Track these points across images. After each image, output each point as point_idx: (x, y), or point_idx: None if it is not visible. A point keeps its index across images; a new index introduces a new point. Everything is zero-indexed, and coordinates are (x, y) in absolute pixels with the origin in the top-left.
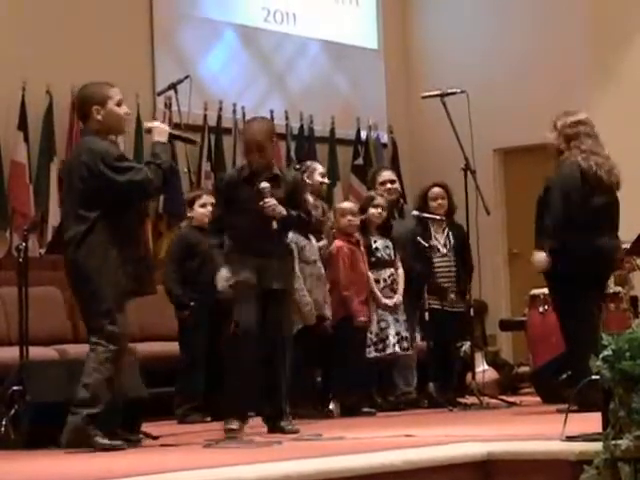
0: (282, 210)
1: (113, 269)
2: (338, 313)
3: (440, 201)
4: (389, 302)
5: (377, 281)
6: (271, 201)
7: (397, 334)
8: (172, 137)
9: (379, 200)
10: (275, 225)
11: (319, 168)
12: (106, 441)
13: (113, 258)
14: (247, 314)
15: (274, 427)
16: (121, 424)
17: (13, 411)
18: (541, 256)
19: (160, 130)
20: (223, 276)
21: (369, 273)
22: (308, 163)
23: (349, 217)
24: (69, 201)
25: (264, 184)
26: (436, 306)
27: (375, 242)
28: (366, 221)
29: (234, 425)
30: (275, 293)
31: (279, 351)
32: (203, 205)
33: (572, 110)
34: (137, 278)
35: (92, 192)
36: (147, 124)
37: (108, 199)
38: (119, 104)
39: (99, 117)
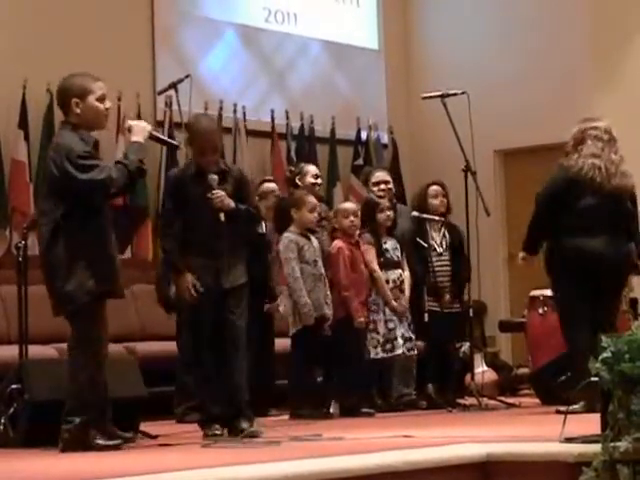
0: (230, 202)
1: (79, 268)
2: (338, 313)
3: (441, 198)
4: (399, 307)
5: (386, 282)
6: (219, 192)
7: (402, 335)
8: (152, 138)
9: (384, 203)
10: (222, 217)
11: (312, 170)
12: (105, 442)
13: (81, 257)
14: (203, 318)
15: (232, 429)
16: (113, 421)
17: (12, 409)
18: (520, 255)
19: (139, 129)
20: (189, 281)
21: (380, 274)
22: (301, 165)
23: (351, 218)
24: (41, 197)
25: (212, 176)
26: (434, 308)
27: (385, 243)
28: (375, 226)
29: (217, 431)
30: (230, 292)
31: (233, 350)
32: None
33: (591, 117)
34: (106, 279)
35: (57, 189)
36: (128, 122)
37: (70, 197)
38: (101, 99)
39: (77, 110)
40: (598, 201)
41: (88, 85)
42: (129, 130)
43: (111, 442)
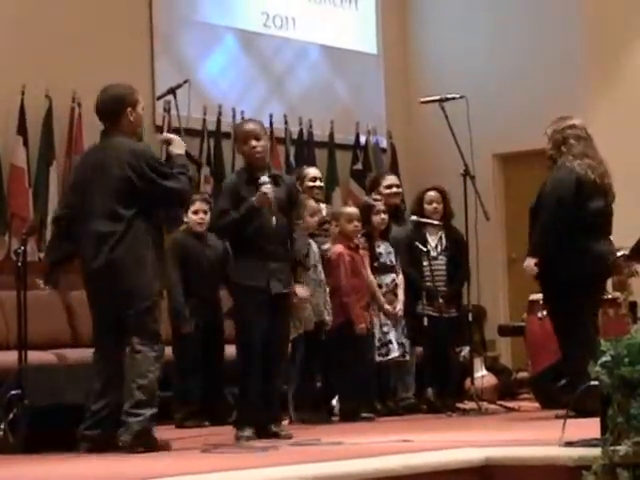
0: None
1: (150, 267)
2: (338, 319)
3: (435, 205)
4: (392, 310)
5: (380, 286)
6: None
7: (396, 340)
8: (186, 153)
9: (379, 206)
10: (274, 221)
11: (310, 173)
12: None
13: (150, 256)
14: (257, 321)
15: (267, 432)
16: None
17: (11, 415)
18: (530, 262)
19: (179, 143)
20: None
21: (372, 278)
22: (300, 169)
23: (355, 223)
24: (101, 198)
25: (264, 178)
26: (432, 313)
27: (379, 247)
28: (370, 229)
29: (247, 432)
30: (280, 298)
31: (276, 356)
32: (195, 212)
33: (564, 115)
34: (164, 278)
35: (133, 192)
36: (166, 135)
37: (148, 200)
38: (143, 109)
39: (131, 118)
40: (602, 203)
41: (137, 95)
42: (169, 143)
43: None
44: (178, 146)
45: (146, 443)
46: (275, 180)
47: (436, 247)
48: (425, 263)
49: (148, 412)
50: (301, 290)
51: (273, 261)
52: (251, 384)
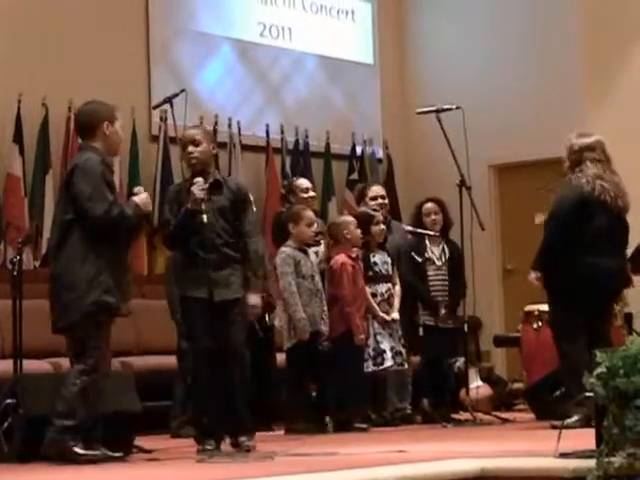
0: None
1: (87, 279)
2: (339, 328)
3: (434, 217)
4: (387, 317)
5: (374, 295)
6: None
7: (392, 349)
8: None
9: (378, 217)
10: (205, 219)
11: (300, 184)
12: (84, 452)
13: (87, 268)
14: (199, 331)
15: (233, 443)
16: (102, 438)
17: (6, 424)
18: (532, 275)
19: (145, 200)
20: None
21: (366, 287)
22: (292, 180)
23: (358, 230)
24: (57, 209)
25: (198, 178)
26: (429, 322)
27: (374, 256)
28: (369, 239)
29: (209, 446)
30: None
31: (231, 363)
32: None
33: (584, 132)
34: (111, 292)
35: (68, 203)
36: (139, 189)
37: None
38: (121, 129)
39: (107, 132)
40: (609, 221)
41: (114, 112)
42: (135, 194)
43: (90, 452)
44: (142, 199)
45: (59, 454)
46: (217, 185)
47: (440, 257)
48: (431, 273)
49: (64, 423)
50: (252, 297)
51: (214, 270)
52: (200, 395)
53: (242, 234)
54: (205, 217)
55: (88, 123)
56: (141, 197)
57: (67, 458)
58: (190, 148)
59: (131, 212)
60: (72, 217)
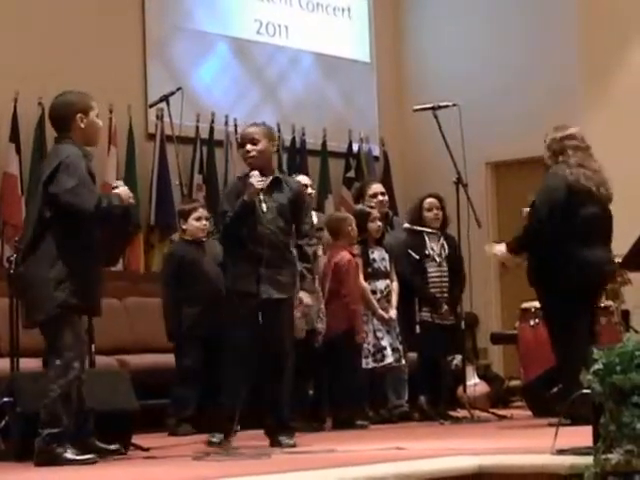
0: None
1: (56, 280)
2: (342, 325)
3: (435, 211)
4: (386, 315)
5: (373, 292)
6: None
7: (390, 345)
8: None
9: (375, 214)
10: (264, 208)
11: (301, 181)
12: (75, 457)
13: (58, 267)
14: (239, 324)
15: (272, 441)
16: (103, 434)
17: (3, 422)
18: (502, 248)
19: (124, 192)
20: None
21: (365, 284)
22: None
23: (354, 225)
24: (32, 205)
25: (254, 172)
26: (427, 319)
27: (372, 253)
28: (366, 236)
29: (215, 439)
30: (272, 303)
31: (274, 363)
32: (198, 219)
33: (562, 125)
34: (78, 294)
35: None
36: (119, 183)
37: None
38: (97, 116)
39: (82, 125)
40: (596, 210)
41: (89, 102)
42: (115, 187)
43: (81, 457)
44: (122, 191)
45: (50, 462)
46: (277, 183)
47: (440, 254)
48: (431, 270)
49: (49, 431)
50: (306, 297)
51: (265, 267)
52: (231, 388)
53: (299, 234)
54: (265, 206)
55: (61, 116)
56: (121, 189)
57: (59, 465)
58: (248, 147)
59: (117, 202)
60: (51, 214)
